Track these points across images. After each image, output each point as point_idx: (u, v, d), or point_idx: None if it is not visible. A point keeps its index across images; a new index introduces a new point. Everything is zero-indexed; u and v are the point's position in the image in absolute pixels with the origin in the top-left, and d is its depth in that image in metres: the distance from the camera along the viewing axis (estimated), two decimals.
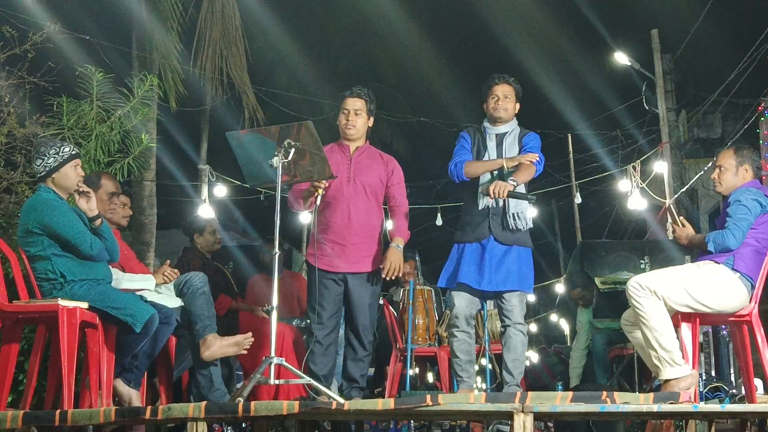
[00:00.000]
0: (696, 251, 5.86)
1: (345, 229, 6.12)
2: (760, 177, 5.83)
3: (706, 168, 15.43)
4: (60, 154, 5.42)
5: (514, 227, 6.08)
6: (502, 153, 6.20)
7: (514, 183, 5.90)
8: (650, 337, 5.35)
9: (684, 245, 5.85)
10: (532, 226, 6.22)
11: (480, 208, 6.15)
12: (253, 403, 4.67)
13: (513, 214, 6.09)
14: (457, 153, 6.32)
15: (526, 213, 6.15)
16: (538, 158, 6.04)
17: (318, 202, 6.04)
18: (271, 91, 17.52)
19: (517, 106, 6.36)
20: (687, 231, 5.77)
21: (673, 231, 5.85)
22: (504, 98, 6.26)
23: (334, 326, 6.16)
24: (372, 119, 6.36)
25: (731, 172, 5.72)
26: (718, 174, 5.78)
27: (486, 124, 6.34)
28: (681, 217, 5.81)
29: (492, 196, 5.90)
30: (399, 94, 23.78)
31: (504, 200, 6.05)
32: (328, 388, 5.79)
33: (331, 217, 6.14)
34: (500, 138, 6.27)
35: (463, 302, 6.17)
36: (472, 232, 6.15)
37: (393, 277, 6.08)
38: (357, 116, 6.24)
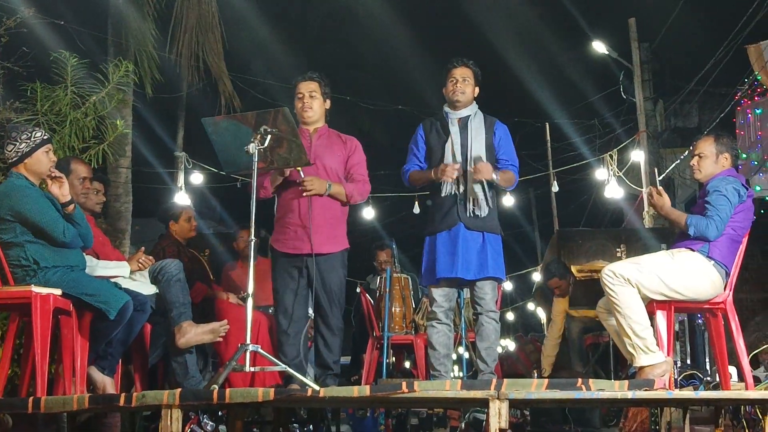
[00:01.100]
0: (671, 240, 5.88)
1: (306, 212, 6.01)
2: (737, 166, 5.85)
3: (682, 157, 15.51)
4: (32, 139, 5.36)
5: (472, 213, 6.09)
6: (467, 137, 6.17)
7: (496, 179, 6.09)
8: (624, 325, 5.37)
9: (659, 214, 5.85)
10: (492, 210, 6.16)
11: (443, 194, 6.15)
12: (228, 390, 4.67)
13: (472, 199, 6.09)
14: (408, 159, 6.38)
15: (487, 200, 6.14)
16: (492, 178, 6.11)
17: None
18: (248, 78, 17.45)
19: (477, 90, 6.30)
20: (664, 200, 5.74)
21: (650, 195, 5.83)
22: (462, 81, 6.21)
23: (301, 314, 6.08)
24: (328, 101, 6.28)
25: (711, 160, 5.73)
26: (697, 161, 5.78)
27: (447, 109, 6.30)
28: (660, 187, 5.79)
29: (475, 174, 6.01)
30: (377, 82, 23.75)
31: (465, 186, 6.10)
32: (304, 375, 5.77)
33: (293, 201, 6.05)
34: (464, 122, 6.25)
35: (442, 298, 6.17)
36: (442, 220, 6.14)
37: (302, 182, 5.95)
38: (312, 99, 6.16)
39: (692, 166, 5.85)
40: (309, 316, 6.35)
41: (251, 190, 5.68)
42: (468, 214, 6.08)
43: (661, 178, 16.60)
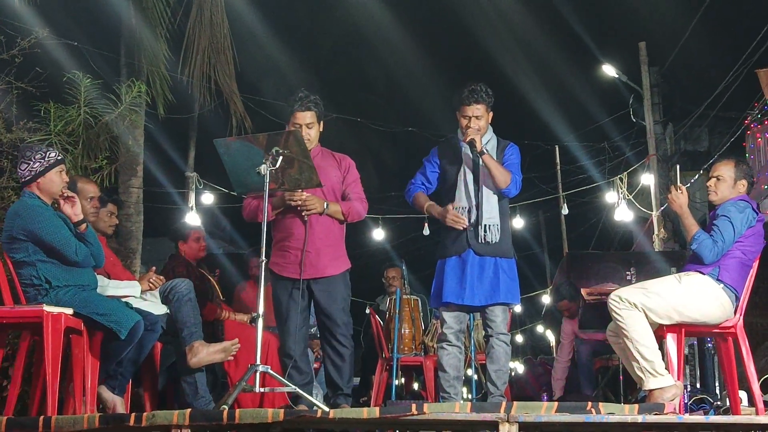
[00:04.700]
0: (681, 263, 5.87)
1: (306, 235, 5.97)
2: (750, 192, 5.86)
3: (692, 180, 15.50)
4: (45, 159, 5.40)
5: (483, 240, 6.05)
6: (480, 168, 6.11)
7: (485, 150, 6.00)
8: (632, 348, 5.37)
9: (674, 211, 5.81)
10: (504, 235, 6.10)
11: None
12: (237, 410, 4.67)
13: (484, 225, 6.06)
14: (417, 177, 6.34)
15: (499, 225, 6.08)
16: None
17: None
18: (259, 99, 17.50)
19: (490, 115, 6.20)
20: (683, 199, 5.73)
21: (669, 192, 5.81)
22: (476, 119, 6.10)
23: (303, 336, 6.08)
24: (322, 123, 6.18)
25: (728, 184, 5.74)
26: (714, 183, 5.78)
27: (461, 136, 6.18)
28: (680, 185, 5.78)
29: (466, 136, 6.00)
30: (387, 104, 23.84)
31: (477, 215, 6.06)
32: (312, 396, 5.76)
33: (292, 224, 6.00)
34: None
35: (452, 320, 6.13)
36: (452, 246, 6.11)
37: (295, 200, 5.90)
38: (310, 129, 6.06)
39: (708, 187, 5.84)
40: (314, 335, 6.31)
41: (261, 212, 5.68)
42: (479, 241, 6.07)
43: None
